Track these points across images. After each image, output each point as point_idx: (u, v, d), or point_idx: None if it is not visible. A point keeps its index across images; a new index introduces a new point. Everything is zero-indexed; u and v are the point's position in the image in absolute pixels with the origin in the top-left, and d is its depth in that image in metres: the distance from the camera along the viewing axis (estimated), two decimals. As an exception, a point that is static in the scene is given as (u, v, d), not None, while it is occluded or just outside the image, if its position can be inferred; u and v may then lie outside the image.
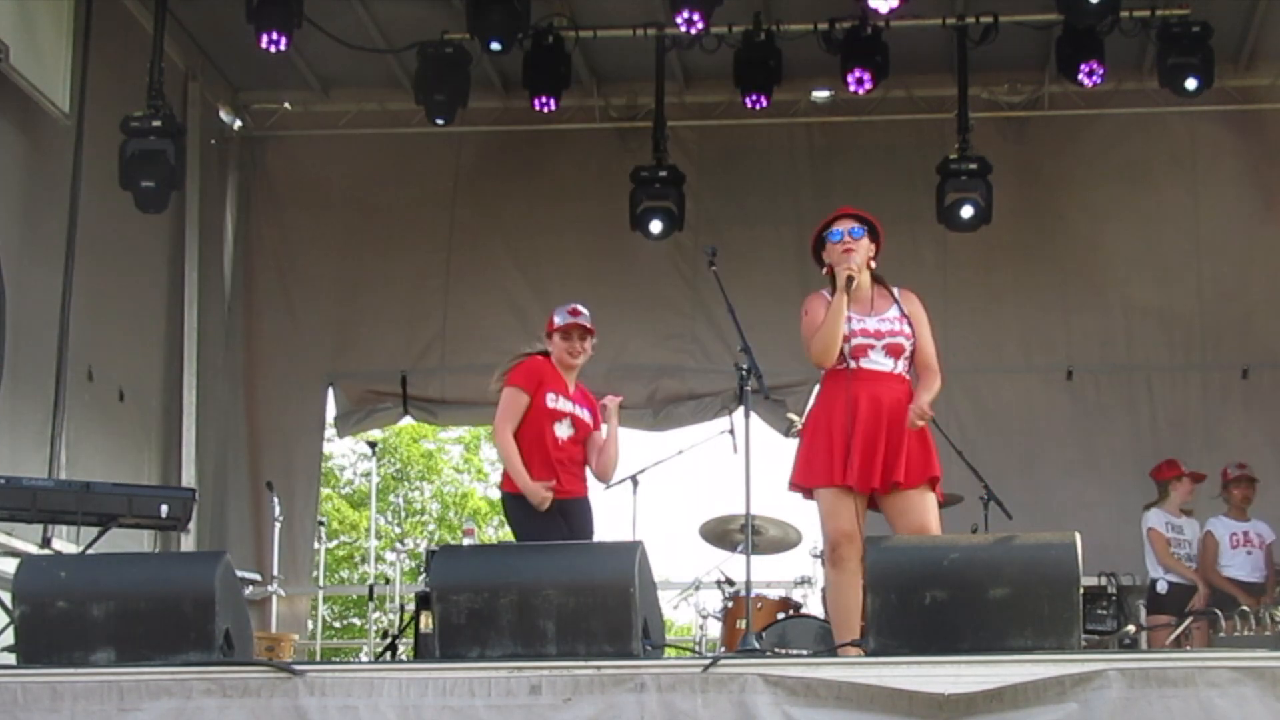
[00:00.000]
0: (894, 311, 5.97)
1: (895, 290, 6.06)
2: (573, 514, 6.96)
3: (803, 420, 6.25)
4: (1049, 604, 4.96)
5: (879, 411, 5.80)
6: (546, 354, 7.13)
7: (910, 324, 5.95)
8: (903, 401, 5.83)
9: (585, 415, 7.07)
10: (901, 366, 5.93)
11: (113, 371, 10.11)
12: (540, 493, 6.78)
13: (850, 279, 5.88)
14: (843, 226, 6.01)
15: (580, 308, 7.18)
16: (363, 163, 11.67)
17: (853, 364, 5.89)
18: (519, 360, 7.10)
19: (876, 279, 6.05)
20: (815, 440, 5.92)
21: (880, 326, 5.92)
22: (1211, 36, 9.72)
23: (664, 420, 11.32)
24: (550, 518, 6.84)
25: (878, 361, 5.89)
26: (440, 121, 10.41)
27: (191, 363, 10.89)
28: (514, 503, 6.98)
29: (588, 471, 7.12)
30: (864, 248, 5.98)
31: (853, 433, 5.77)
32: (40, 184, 9.29)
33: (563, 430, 6.95)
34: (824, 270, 6.05)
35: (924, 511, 5.79)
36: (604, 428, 7.12)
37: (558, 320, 7.12)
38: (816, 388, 10.89)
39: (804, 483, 5.92)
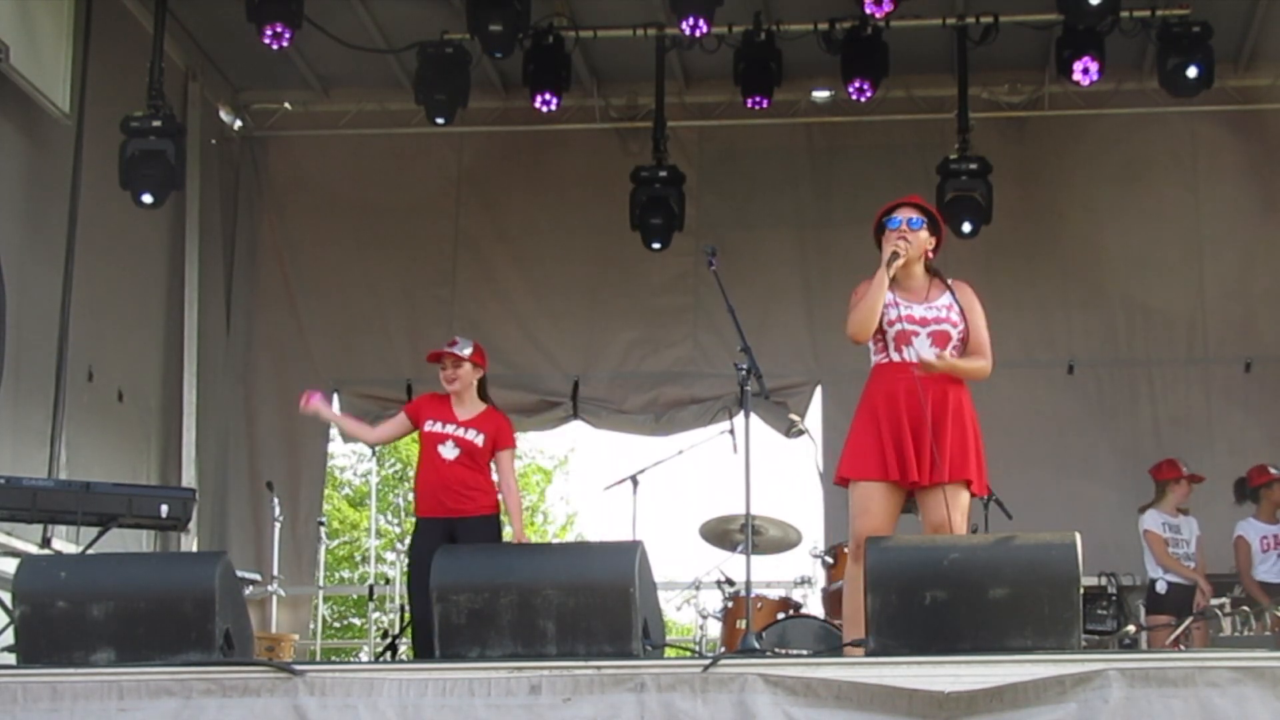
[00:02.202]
0: (945, 299, 5.91)
1: (950, 281, 6.01)
2: (462, 534, 7.23)
3: (803, 423, 6.24)
4: (1049, 604, 4.96)
5: (920, 405, 5.74)
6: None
7: (961, 312, 5.90)
8: (949, 393, 5.79)
9: (473, 437, 7.38)
10: (949, 356, 5.83)
11: (113, 372, 10.11)
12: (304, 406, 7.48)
13: (895, 255, 5.82)
14: (902, 215, 5.96)
15: (457, 338, 7.58)
16: (363, 163, 11.67)
17: (896, 356, 5.83)
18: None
19: (933, 272, 6.00)
20: (859, 433, 5.85)
21: (927, 314, 5.87)
22: (1211, 36, 9.71)
23: (666, 424, 11.33)
24: (430, 536, 7.22)
25: (922, 351, 5.81)
26: (440, 121, 10.39)
27: (191, 363, 10.89)
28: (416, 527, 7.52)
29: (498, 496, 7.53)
30: (920, 239, 5.92)
31: (897, 426, 5.73)
32: (40, 184, 9.29)
33: (447, 451, 7.34)
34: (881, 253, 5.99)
35: (952, 507, 5.72)
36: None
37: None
38: (818, 390, 11.16)
39: (847, 475, 5.87)
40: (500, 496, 7.53)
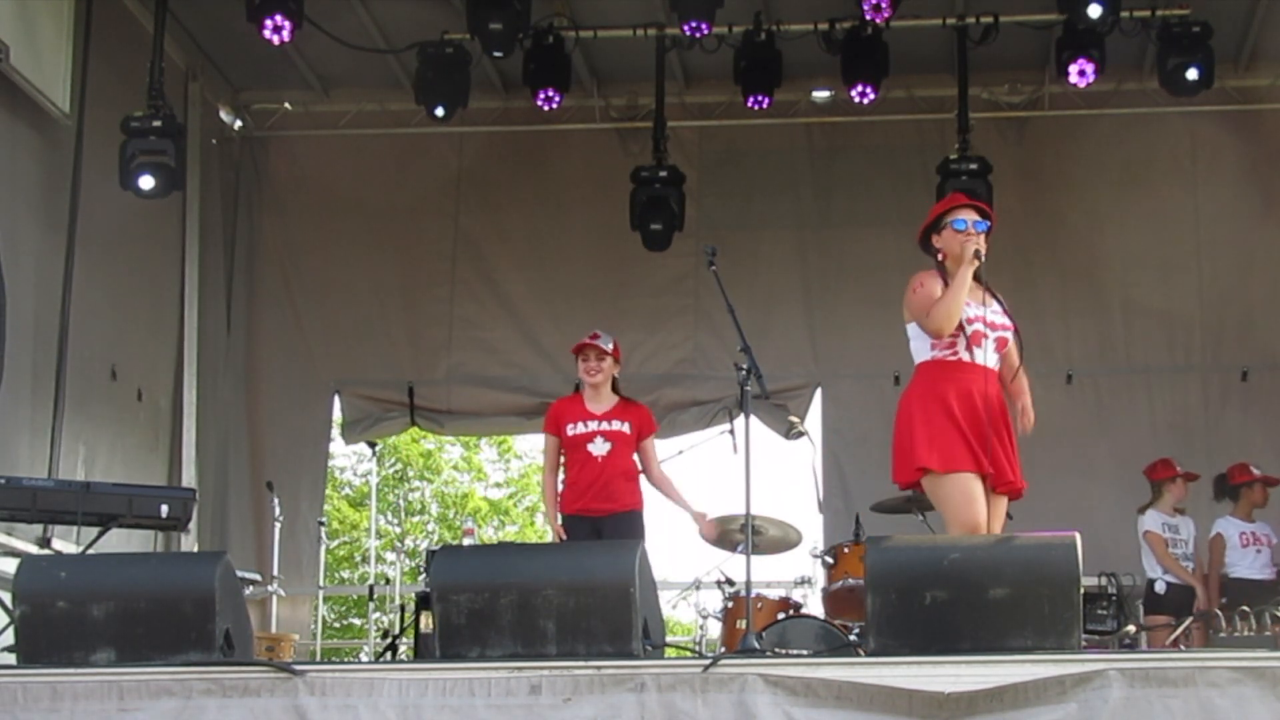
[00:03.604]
0: (997, 307, 5.96)
1: (994, 291, 6.02)
2: (608, 531, 7.30)
3: (802, 425, 6.21)
4: (1049, 604, 4.96)
5: (992, 409, 5.77)
6: (577, 387, 7.69)
7: (1013, 321, 5.96)
8: (1003, 400, 5.85)
9: (621, 427, 7.46)
10: (998, 363, 5.91)
11: (130, 372, 10.17)
12: (557, 534, 7.48)
13: (978, 253, 5.85)
14: (968, 216, 5.97)
15: (598, 331, 7.66)
16: (363, 163, 11.67)
17: (965, 355, 5.82)
18: None
19: (980, 279, 6.00)
20: (939, 425, 5.74)
21: (995, 319, 5.91)
22: (1211, 36, 9.72)
23: (667, 427, 11.27)
24: (577, 533, 7.38)
25: (988, 354, 5.85)
26: (439, 112, 10.30)
27: (192, 363, 10.90)
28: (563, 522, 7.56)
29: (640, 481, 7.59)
30: (981, 243, 5.94)
31: (978, 425, 5.72)
32: (41, 184, 9.29)
33: (597, 449, 7.38)
34: (938, 256, 5.97)
35: (1003, 516, 5.83)
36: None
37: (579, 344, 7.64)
38: (818, 392, 11.15)
39: (942, 467, 5.71)
40: (653, 485, 7.62)
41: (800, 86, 10.98)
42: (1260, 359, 10.88)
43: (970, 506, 5.67)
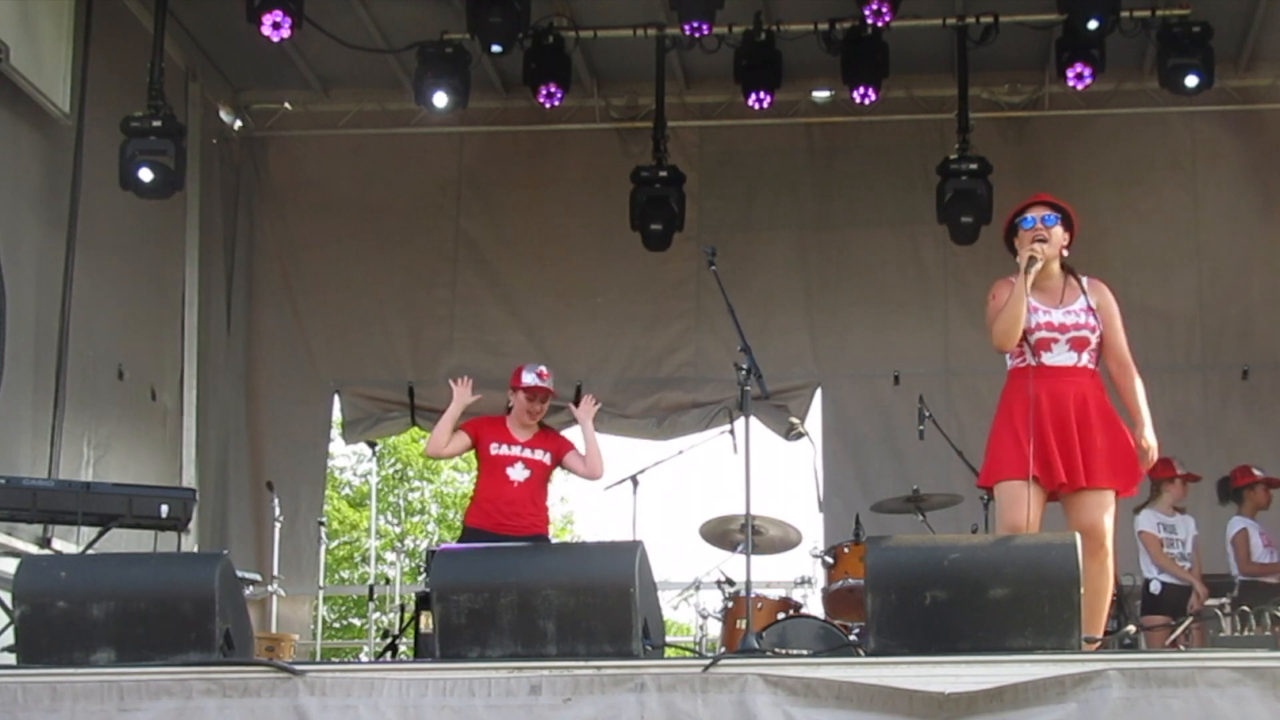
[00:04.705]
0: (1081, 303, 5.89)
1: (1084, 281, 5.96)
2: None
3: (802, 425, 6.22)
4: (1049, 604, 4.97)
5: (1062, 407, 5.75)
6: (508, 409, 7.78)
7: (1096, 316, 5.87)
8: (1088, 396, 5.80)
9: (542, 457, 7.67)
10: (1087, 359, 5.85)
11: (140, 372, 10.20)
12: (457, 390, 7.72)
13: (1032, 260, 5.78)
14: (1035, 214, 5.91)
15: (545, 370, 7.80)
16: (363, 163, 11.67)
17: (1033, 360, 5.81)
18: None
19: (1068, 269, 5.93)
20: (999, 439, 5.85)
21: (1066, 320, 5.85)
22: (1211, 36, 9.71)
23: (668, 429, 11.32)
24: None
25: (1061, 356, 5.81)
26: (439, 101, 10.26)
27: (191, 363, 10.89)
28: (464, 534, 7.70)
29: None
30: (1057, 237, 5.87)
31: (1034, 430, 5.70)
32: (42, 184, 9.29)
33: (516, 474, 7.56)
34: (1017, 257, 5.93)
35: (1100, 509, 5.83)
36: (580, 441, 7.77)
37: (526, 379, 7.76)
38: (818, 392, 11.14)
39: (985, 482, 5.91)
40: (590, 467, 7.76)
41: (800, 87, 10.98)
42: (1260, 359, 10.88)
43: (1010, 509, 5.74)
